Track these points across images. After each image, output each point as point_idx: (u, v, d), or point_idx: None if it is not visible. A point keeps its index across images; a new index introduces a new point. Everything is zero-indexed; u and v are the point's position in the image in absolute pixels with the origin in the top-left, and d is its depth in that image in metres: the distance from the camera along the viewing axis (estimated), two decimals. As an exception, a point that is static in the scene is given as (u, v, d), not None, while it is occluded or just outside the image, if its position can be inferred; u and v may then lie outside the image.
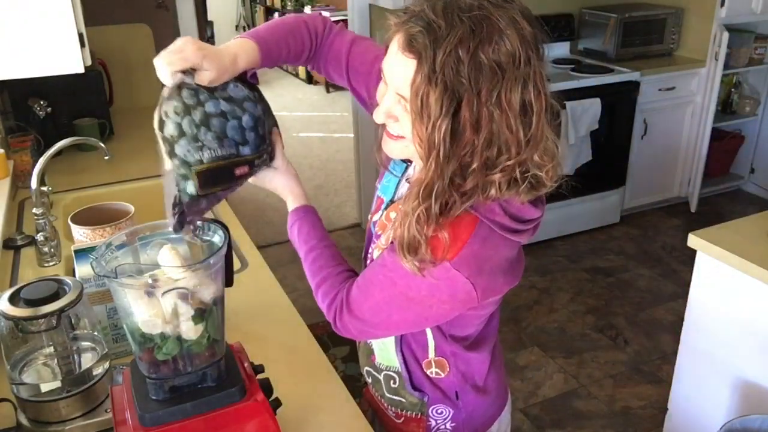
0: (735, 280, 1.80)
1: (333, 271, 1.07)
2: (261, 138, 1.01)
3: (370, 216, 1.16)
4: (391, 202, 1.10)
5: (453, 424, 1.16)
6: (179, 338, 0.93)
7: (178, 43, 0.94)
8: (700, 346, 1.99)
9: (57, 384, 1.12)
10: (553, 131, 0.93)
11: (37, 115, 2.34)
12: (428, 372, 1.13)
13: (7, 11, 1.53)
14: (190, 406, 0.94)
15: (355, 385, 1.31)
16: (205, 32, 3.87)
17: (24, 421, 1.12)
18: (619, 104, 3.66)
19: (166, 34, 3.14)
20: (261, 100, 1.05)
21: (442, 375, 1.12)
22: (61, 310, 1.08)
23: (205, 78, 0.94)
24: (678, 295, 3.29)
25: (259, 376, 1.04)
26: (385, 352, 1.16)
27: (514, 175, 0.89)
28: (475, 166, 0.87)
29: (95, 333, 1.19)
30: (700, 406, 2.02)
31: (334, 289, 1.05)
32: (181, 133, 0.92)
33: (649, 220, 4.13)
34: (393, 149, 0.97)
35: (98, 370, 1.16)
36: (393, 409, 1.20)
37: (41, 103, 2.34)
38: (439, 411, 1.15)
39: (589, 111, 3.48)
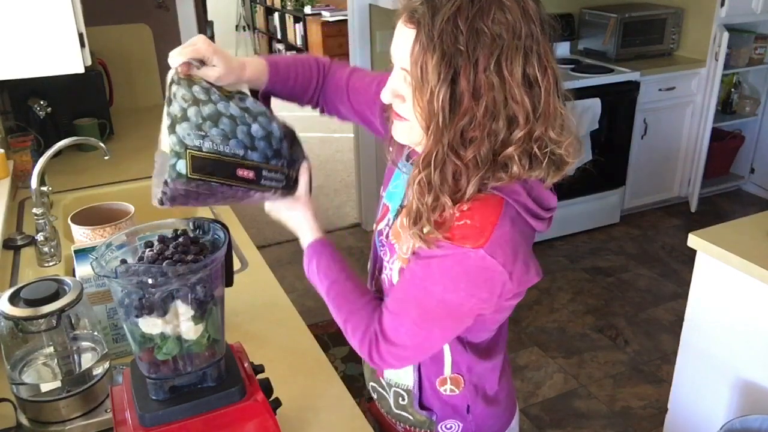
0: (735, 280, 1.80)
1: (358, 303, 1.03)
2: (275, 152, 1.00)
3: (375, 225, 1.15)
4: (401, 207, 1.07)
5: None
6: (179, 338, 0.93)
7: (192, 38, 0.99)
8: (700, 346, 1.99)
9: (57, 384, 1.12)
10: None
11: (37, 115, 2.34)
12: (441, 389, 1.10)
13: (7, 11, 1.53)
14: (190, 406, 0.94)
15: (355, 385, 1.31)
16: (205, 32, 3.87)
17: (24, 421, 1.12)
18: (619, 104, 3.66)
19: (166, 34, 3.14)
20: (288, 133, 1.05)
21: (457, 392, 1.10)
22: (61, 310, 1.08)
23: (212, 74, 0.98)
24: (678, 295, 3.30)
25: (259, 376, 1.04)
26: (397, 369, 1.12)
27: (531, 150, 0.89)
28: (478, 137, 0.87)
29: (95, 333, 1.19)
30: (700, 406, 2.02)
31: (364, 322, 1.01)
32: (185, 117, 0.93)
33: (649, 220, 4.12)
34: (399, 132, 0.97)
35: (98, 370, 1.16)
36: (401, 425, 1.18)
37: (41, 103, 2.34)
38: (448, 426, 1.14)
39: (589, 111, 3.48)
